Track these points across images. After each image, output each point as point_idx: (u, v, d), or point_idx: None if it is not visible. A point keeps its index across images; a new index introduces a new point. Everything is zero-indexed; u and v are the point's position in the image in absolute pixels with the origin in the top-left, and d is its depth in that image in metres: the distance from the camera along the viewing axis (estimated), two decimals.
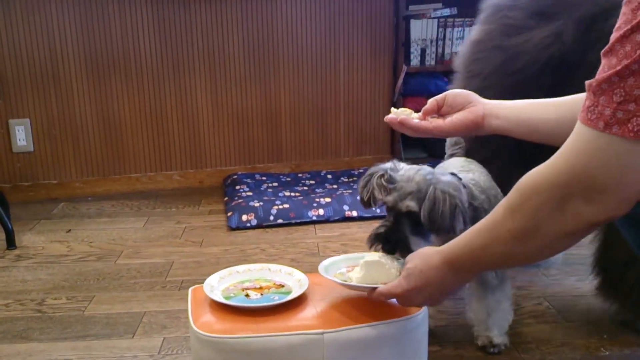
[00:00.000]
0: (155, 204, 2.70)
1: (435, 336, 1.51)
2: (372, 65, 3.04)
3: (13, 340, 1.57)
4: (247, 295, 1.22)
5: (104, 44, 2.73)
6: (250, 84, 2.93)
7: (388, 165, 1.28)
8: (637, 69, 0.71)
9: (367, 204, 1.28)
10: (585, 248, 1.65)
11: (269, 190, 2.69)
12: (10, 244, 2.20)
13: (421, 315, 1.19)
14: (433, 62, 3.11)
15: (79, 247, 2.22)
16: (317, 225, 2.37)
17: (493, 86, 1.52)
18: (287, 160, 3.07)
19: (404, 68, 2.99)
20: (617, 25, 0.74)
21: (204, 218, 2.50)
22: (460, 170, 1.44)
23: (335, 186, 2.75)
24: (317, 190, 2.68)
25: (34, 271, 2.01)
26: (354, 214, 2.42)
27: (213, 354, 1.12)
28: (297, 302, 1.20)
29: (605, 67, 0.74)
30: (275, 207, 2.42)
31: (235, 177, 2.86)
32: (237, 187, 2.70)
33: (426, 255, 1.06)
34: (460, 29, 3.11)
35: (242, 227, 2.35)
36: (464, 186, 1.27)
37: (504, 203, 0.90)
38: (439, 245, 1.07)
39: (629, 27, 0.71)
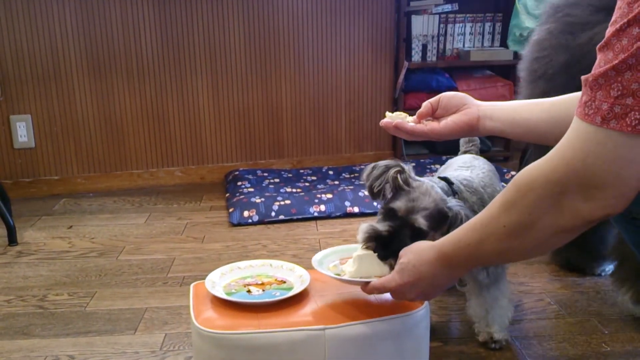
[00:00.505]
0: (156, 200, 2.70)
1: (436, 332, 1.52)
2: (373, 61, 3.04)
3: (14, 336, 1.57)
4: (248, 291, 1.22)
5: (105, 40, 2.73)
6: (251, 80, 2.93)
7: (403, 164, 1.23)
8: (634, 62, 0.70)
9: (375, 195, 1.24)
10: None
11: (271, 186, 2.69)
12: (12, 240, 2.20)
13: (422, 312, 1.19)
14: (434, 58, 3.11)
15: (81, 243, 2.22)
16: (318, 221, 2.37)
17: (559, 88, 1.50)
18: (288, 156, 3.07)
19: (405, 64, 2.98)
20: (612, 20, 0.74)
21: (206, 214, 2.50)
22: (460, 167, 1.44)
23: (336, 182, 2.75)
24: (319, 186, 2.68)
25: (36, 267, 2.01)
26: (356, 210, 2.42)
27: (214, 350, 1.12)
28: (299, 298, 1.20)
29: (602, 62, 0.74)
30: (277, 203, 2.42)
31: (236, 173, 2.86)
32: (239, 183, 2.70)
33: (419, 250, 1.05)
34: (461, 24, 3.10)
35: (243, 223, 2.35)
36: (455, 193, 1.27)
37: (499, 198, 0.89)
38: None
39: (625, 20, 0.71)
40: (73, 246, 2.19)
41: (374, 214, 2.40)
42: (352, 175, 2.85)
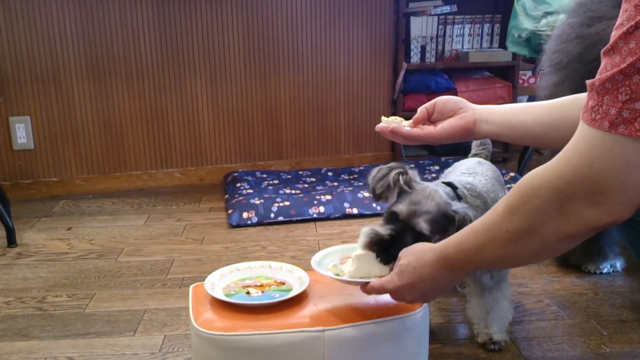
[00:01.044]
0: (155, 201, 2.70)
1: (435, 334, 1.52)
2: (372, 63, 3.04)
3: (13, 338, 1.57)
4: (247, 293, 1.22)
5: (104, 42, 2.73)
6: (250, 82, 2.93)
7: (407, 167, 1.23)
8: None
9: (378, 197, 1.23)
10: None
11: (270, 187, 2.70)
12: (11, 241, 2.20)
13: (421, 313, 1.19)
14: (433, 60, 3.11)
15: (80, 244, 2.22)
16: (317, 223, 2.37)
17: (571, 75, 1.54)
18: (287, 157, 3.07)
19: (404, 65, 2.99)
20: (618, 23, 0.73)
21: (205, 215, 2.50)
22: (463, 173, 1.44)
23: (335, 183, 2.76)
24: (318, 188, 2.68)
25: (35, 269, 2.01)
26: (355, 211, 2.42)
27: (214, 352, 1.12)
28: (298, 300, 1.20)
29: (609, 66, 0.73)
30: (276, 204, 2.42)
31: (235, 174, 2.86)
32: (238, 185, 2.70)
33: (420, 252, 1.05)
34: (460, 26, 3.11)
35: (242, 224, 2.35)
36: (459, 197, 1.27)
37: (503, 203, 0.88)
38: None
39: (632, 23, 0.70)
40: (72, 248, 2.19)
41: (373, 216, 2.41)
42: (351, 177, 2.85)
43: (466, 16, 3.10)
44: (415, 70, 3.07)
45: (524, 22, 2.73)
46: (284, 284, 1.27)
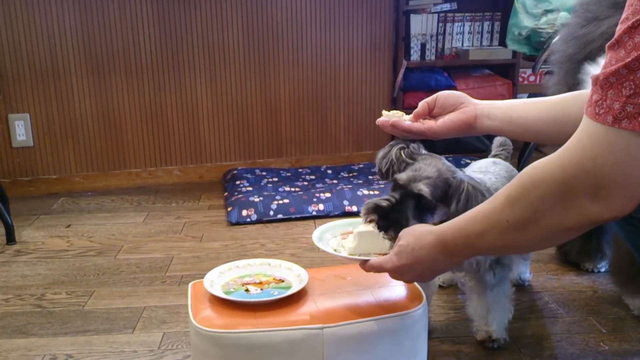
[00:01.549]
0: (155, 199, 2.70)
1: (434, 331, 1.52)
2: (372, 60, 3.04)
3: (13, 335, 1.57)
4: (247, 290, 1.22)
5: (103, 39, 2.73)
6: (250, 80, 2.93)
7: (410, 142, 1.24)
8: None
9: (384, 175, 1.24)
10: None
11: (269, 185, 2.69)
12: (10, 239, 2.20)
13: (420, 310, 1.19)
14: (433, 57, 3.11)
15: (79, 242, 2.22)
16: (317, 221, 2.37)
17: (567, 74, 1.56)
18: (287, 155, 3.06)
19: (404, 63, 2.98)
20: (623, 17, 0.72)
21: (204, 213, 2.50)
22: (475, 171, 1.44)
23: (335, 181, 2.75)
24: (317, 185, 2.68)
25: (34, 266, 2.01)
26: (354, 209, 2.42)
27: (213, 349, 1.12)
28: (297, 297, 1.20)
29: (613, 60, 0.72)
30: (275, 202, 2.42)
31: (235, 172, 2.86)
32: (237, 182, 2.70)
33: (419, 233, 1.05)
34: (460, 23, 3.10)
35: (242, 222, 2.35)
36: None
37: (504, 192, 0.88)
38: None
39: (637, 17, 0.69)
40: (71, 245, 2.19)
41: None
42: (351, 175, 2.85)
43: (466, 14, 3.10)
44: (415, 68, 3.07)
45: (524, 20, 2.73)
46: (283, 281, 1.27)
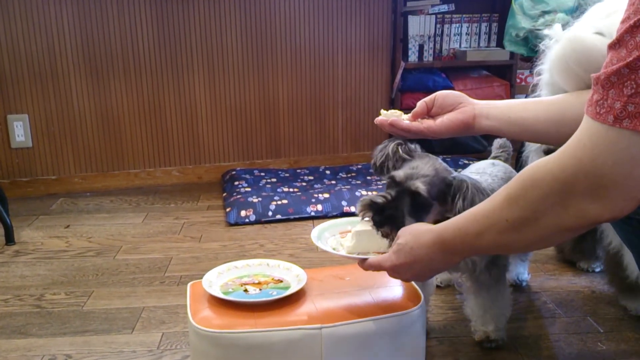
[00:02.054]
0: (153, 199, 2.71)
1: (432, 331, 1.52)
2: (370, 61, 3.04)
3: (12, 336, 1.58)
4: (245, 291, 1.23)
5: (102, 39, 2.73)
6: (248, 80, 2.93)
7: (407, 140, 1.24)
8: None
9: (379, 170, 1.24)
10: None
11: (268, 185, 2.70)
12: (9, 239, 2.20)
13: (418, 310, 1.20)
14: (431, 58, 3.11)
15: (78, 242, 2.22)
16: (315, 221, 2.37)
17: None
18: (285, 156, 3.07)
19: (402, 64, 2.99)
20: (624, 17, 0.72)
21: (203, 214, 2.50)
22: (473, 172, 1.44)
23: (333, 182, 2.76)
24: (316, 186, 2.69)
25: (33, 267, 2.01)
26: (352, 209, 2.42)
27: (212, 349, 1.12)
28: (296, 297, 1.20)
29: (614, 60, 0.72)
30: (274, 202, 2.43)
31: (233, 172, 2.87)
32: (236, 183, 2.71)
33: (418, 232, 1.05)
34: (458, 25, 3.11)
35: (240, 222, 2.35)
36: None
37: (504, 191, 0.88)
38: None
39: (639, 16, 0.69)
40: (70, 245, 2.19)
41: None
42: (349, 175, 2.86)
43: (464, 15, 3.10)
44: (413, 69, 3.08)
45: (521, 21, 2.73)
46: (281, 281, 1.28)
